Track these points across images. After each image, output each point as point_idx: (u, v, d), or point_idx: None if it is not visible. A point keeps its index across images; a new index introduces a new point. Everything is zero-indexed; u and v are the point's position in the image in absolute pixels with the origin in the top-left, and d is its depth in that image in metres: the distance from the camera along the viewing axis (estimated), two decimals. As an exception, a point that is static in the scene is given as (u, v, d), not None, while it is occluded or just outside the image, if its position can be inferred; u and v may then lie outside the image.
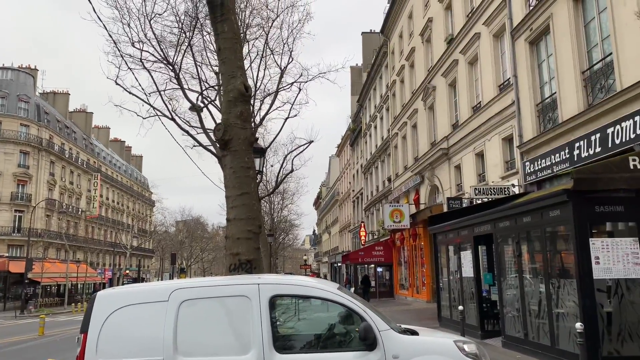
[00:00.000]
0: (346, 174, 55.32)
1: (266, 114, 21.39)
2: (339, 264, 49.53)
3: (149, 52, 17.95)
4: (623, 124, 10.54)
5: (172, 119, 17.57)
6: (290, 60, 22.16)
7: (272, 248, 35.12)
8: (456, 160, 20.76)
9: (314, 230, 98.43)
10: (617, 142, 10.71)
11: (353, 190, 49.33)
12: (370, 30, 46.22)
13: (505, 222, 11.01)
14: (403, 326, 5.86)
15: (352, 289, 31.88)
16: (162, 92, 18.11)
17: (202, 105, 18.50)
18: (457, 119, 20.91)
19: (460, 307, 12.75)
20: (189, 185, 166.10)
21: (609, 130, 10.98)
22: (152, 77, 17.62)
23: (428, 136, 24.85)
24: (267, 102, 21.99)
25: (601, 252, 7.96)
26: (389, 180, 33.26)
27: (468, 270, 12.89)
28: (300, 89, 22.83)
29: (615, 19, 10.94)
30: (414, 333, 5.59)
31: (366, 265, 36.44)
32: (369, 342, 5.02)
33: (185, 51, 18.01)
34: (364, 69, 47.14)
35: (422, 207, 25.04)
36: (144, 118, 17.97)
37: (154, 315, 5.20)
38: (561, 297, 8.88)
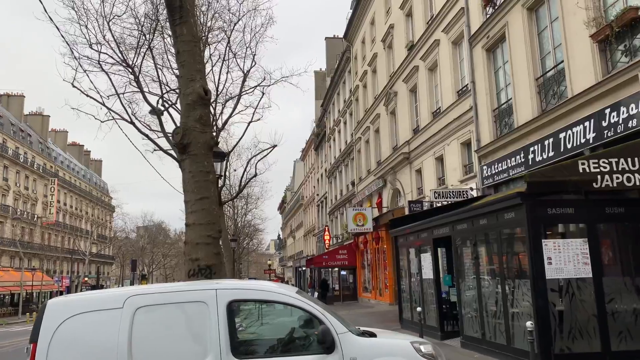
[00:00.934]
0: (310, 178, 55.41)
1: (229, 117, 21.30)
2: (304, 268, 49.50)
3: (108, 54, 17.62)
4: (574, 129, 10.96)
5: (131, 123, 17.26)
6: (253, 64, 22.19)
7: (235, 253, 34.81)
8: (417, 164, 21.09)
9: (279, 235, 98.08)
10: (569, 146, 11.13)
11: (317, 195, 49.44)
12: (334, 35, 46.51)
13: (463, 225, 11.25)
14: (362, 328, 5.91)
15: (316, 294, 31.89)
16: (121, 95, 17.78)
17: (162, 108, 18.24)
18: (418, 123, 21.26)
19: (419, 309, 12.94)
20: (150, 190, 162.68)
21: (561, 135, 11.40)
22: (110, 79, 17.26)
23: (390, 141, 25.17)
24: (229, 106, 21.87)
25: (553, 253, 8.23)
26: (353, 184, 33.49)
27: (428, 272, 13.11)
28: (263, 93, 22.81)
29: (566, 28, 11.37)
30: (372, 335, 5.65)
31: (330, 269, 36.55)
32: (327, 345, 5.05)
33: (145, 54, 17.73)
34: (327, 73, 47.40)
35: (384, 210, 25.31)
36: (101, 121, 17.58)
37: (108, 323, 5.08)
38: (516, 297, 9.14)
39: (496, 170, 14.20)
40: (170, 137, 17.06)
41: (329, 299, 32.74)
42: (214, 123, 20.57)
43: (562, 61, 11.66)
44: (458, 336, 11.65)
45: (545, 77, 12.52)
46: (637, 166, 8.08)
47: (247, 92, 21.37)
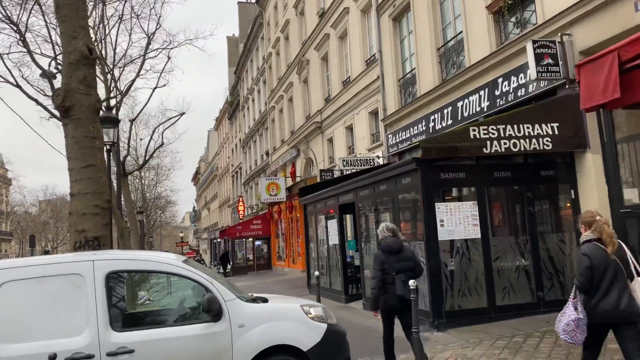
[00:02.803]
0: (225, 148, 54.31)
1: (132, 82, 20.14)
2: (218, 240, 48.89)
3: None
4: (470, 98, 11.42)
5: (18, 86, 15.77)
6: (158, 27, 21.02)
7: (144, 226, 33.55)
8: (329, 133, 21.22)
9: (194, 207, 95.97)
10: (466, 115, 11.59)
11: (232, 165, 48.64)
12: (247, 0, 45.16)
13: (365, 191, 11.47)
14: (254, 295, 5.84)
15: (229, 266, 31.71)
16: (7, 56, 16.19)
17: (55, 71, 16.80)
18: (329, 93, 21.30)
19: (317, 273, 13.16)
20: (52, 162, 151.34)
21: (459, 104, 11.84)
22: (-9, 38, 15.59)
23: (303, 110, 25.08)
24: (133, 71, 20.68)
25: (445, 216, 8.59)
26: (267, 154, 33.21)
27: (334, 238, 13.32)
28: (169, 57, 21.90)
29: (465, -1, 11.68)
30: (264, 301, 5.59)
31: (244, 240, 36.38)
32: (213, 312, 4.92)
33: (32, 10, 16.15)
34: (240, 39, 46.07)
35: (298, 179, 25.37)
36: (-18, 84, 15.92)
37: (-32, 301, 4.61)
38: (413, 259, 9.48)
39: (400, 139, 14.56)
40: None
41: (239, 269, 32.95)
42: (113, 87, 19.35)
43: (462, 32, 12.02)
44: (361, 299, 11.99)
45: (446, 47, 12.87)
46: (522, 132, 8.53)
47: (150, 55, 20.28)
